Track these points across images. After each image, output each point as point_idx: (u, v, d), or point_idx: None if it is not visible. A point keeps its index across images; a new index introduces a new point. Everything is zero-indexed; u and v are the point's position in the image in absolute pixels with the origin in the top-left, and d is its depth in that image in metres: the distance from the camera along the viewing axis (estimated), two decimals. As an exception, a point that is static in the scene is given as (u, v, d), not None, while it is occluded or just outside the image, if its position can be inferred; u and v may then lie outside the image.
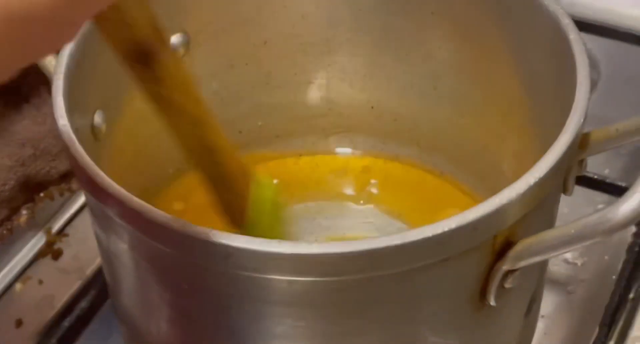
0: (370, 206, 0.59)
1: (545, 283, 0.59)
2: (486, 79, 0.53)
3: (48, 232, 0.62)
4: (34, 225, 0.62)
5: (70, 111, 0.44)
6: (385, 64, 0.57)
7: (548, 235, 0.40)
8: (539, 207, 0.42)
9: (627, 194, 0.38)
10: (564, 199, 0.47)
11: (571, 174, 0.45)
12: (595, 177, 0.61)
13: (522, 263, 0.41)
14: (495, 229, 0.40)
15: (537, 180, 0.40)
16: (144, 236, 0.40)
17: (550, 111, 0.47)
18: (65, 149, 0.43)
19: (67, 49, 0.46)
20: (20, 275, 0.61)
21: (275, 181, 0.47)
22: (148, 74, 0.38)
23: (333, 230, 0.58)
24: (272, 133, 0.60)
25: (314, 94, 0.59)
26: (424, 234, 0.38)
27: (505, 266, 0.41)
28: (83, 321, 0.59)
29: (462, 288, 0.42)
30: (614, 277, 0.58)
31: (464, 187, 0.58)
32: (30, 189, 0.56)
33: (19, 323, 0.58)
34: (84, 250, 0.61)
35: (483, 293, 0.42)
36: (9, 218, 0.57)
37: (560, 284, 0.60)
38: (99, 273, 0.59)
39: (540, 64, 0.48)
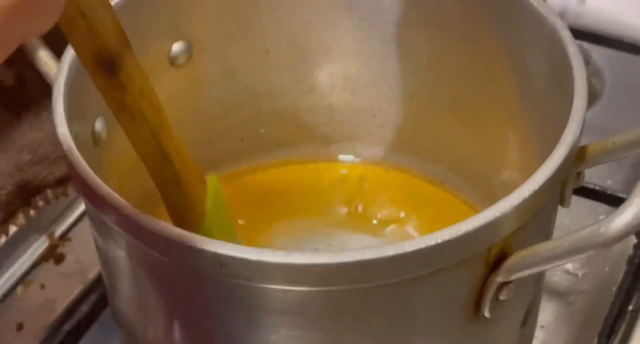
0: (371, 215, 0.59)
1: (546, 293, 0.59)
2: (486, 89, 0.53)
3: (51, 236, 0.62)
4: (36, 229, 0.62)
5: (70, 117, 0.44)
6: (387, 73, 0.57)
7: (542, 248, 0.40)
8: (535, 220, 0.42)
9: (621, 207, 0.38)
10: (565, 210, 0.47)
11: (568, 186, 0.45)
12: (597, 188, 0.61)
13: (517, 275, 0.41)
14: (489, 242, 0.40)
15: (531, 193, 0.40)
16: (139, 243, 0.41)
17: (549, 122, 0.47)
18: (63, 156, 0.43)
19: (69, 56, 0.46)
20: (23, 279, 0.61)
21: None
22: (113, 82, 0.38)
23: (334, 238, 0.58)
24: (274, 141, 0.60)
25: (316, 102, 0.59)
26: (416, 245, 0.38)
27: (499, 278, 0.41)
28: (84, 326, 0.59)
29: (455, 299, 0.42)
30: (614, 288, 0.58)
31: (464, 197, 0.58)
32: (27, 193, 0.57)
33: (19, 327, 0.59)
34: (86, 254, 0.62)
35: (477, 305, 0.42)
36: (5, 222, 0.57)
37: (560, 295, 0.60)
38: (100, 278, 0.59)
39: (539, 75, 0.48)
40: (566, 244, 0.39)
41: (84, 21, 0.36)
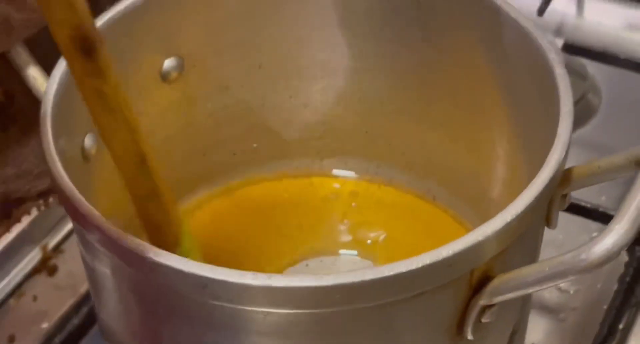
0: (364, 230, 0.59)
1: (537, 310, 0.59)
2: (478, 106, 0.53)
3: (44, 248, 0.62)
4: (30, 241, 0.62)
5: (59, 133, 0.44)
6: (379, 89, 0.57)
7: (524, 272, 0.40)
8: (519, 243, 0.41)
9: (603, 233, 0.38)
10: (559, 227, 0.47)
11: (554, 208, 0.45)
12: (589, 206, 0.61)
13: (499, 299, 0.41)
14: (472, 265, 0.40)
15: (514, 217, 0.39)
16: (122, 262, 0.41)
17: (537, 141, 0.47)
18: (48, 171, 0.43)
19: (59, 71, 0.47)
20: (15, 291, 0.61)
21: None
22: (91, 66, 0.37)
23: (325, 254, 0.58)
24: (267, 155, 0.60)
25: (309, 117, 0.59)
26: (397, 269, 0.38)
27: (482, 301, 0.41)
28: (75, 338, 0.59)
29: (438, 322, 0.42)
30: (605, 306, 0.58)
31: (455, 213, 0.58)
32: (9, 205, 0.57)
33: (11, 339, 0.59)
34: (78, 267, 0.61)
35: (460, 327, 0.42)
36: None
37: (551, 312, 0.59)
38: (92, 290, 0.59)
39: (528, 95, 0.48)
40: (547, 269, 0.39)
41: None
